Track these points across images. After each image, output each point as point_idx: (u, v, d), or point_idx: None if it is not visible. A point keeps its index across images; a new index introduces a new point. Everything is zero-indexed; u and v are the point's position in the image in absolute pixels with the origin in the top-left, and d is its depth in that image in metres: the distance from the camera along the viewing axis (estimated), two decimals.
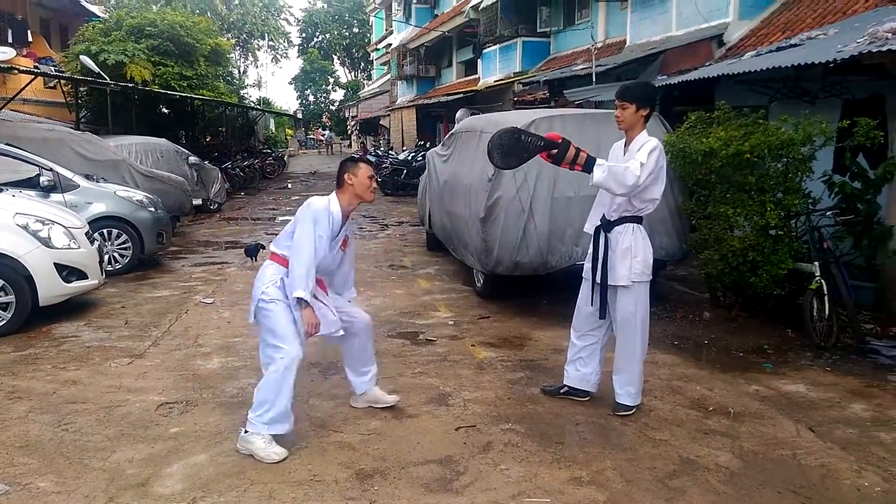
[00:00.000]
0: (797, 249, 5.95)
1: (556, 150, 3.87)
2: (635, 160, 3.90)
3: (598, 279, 4.25)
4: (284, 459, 3.73)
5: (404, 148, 29.05)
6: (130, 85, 17.33)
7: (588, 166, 3.87)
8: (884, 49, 5.68)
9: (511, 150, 3.96)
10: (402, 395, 4.66)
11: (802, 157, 5.93)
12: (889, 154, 6.51)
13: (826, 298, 5.63)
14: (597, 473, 3.60)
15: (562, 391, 4.60)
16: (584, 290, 4.41)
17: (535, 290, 7.35)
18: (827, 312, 5.62)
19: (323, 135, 53.04)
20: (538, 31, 19.16)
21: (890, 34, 6.30)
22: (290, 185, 23.31)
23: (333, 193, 4.13)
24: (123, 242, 8.73)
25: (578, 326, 4.49)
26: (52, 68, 17.75)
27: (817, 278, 5.70)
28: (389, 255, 10.31)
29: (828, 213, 6.23)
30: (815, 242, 5.90)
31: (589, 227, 4.39)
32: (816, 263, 5.77)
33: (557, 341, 5.84)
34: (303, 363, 3.97)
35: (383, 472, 3.60)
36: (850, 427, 4.18)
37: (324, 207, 3.97)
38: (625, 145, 4.22)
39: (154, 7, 25.60)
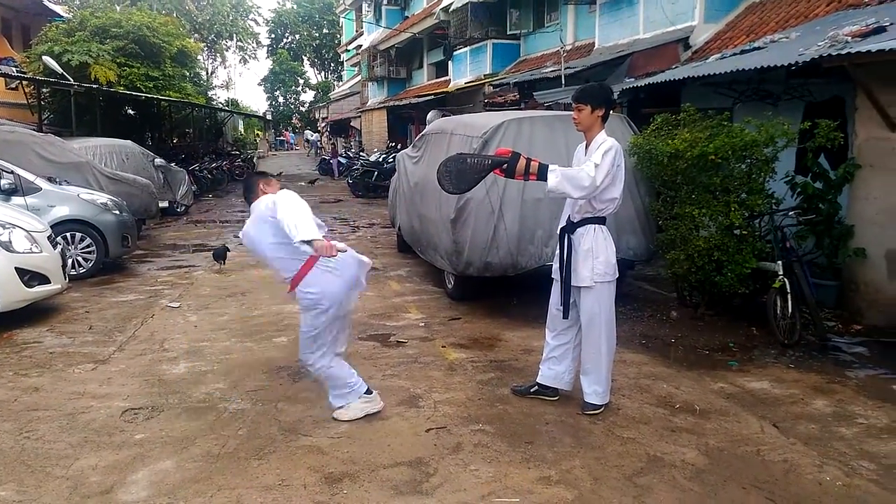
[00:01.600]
0: (761, 249, 6.06)
1: (505, 165, 3.91)
2: (590, 162, 3.96)
3: (563, 280, 4.29)
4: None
5: (375, 150, 28.95)
6: (95, 86, 17.04)
7: (542, 174, 3.91)
8: (843, 52, 5.82)
9: (460, 175, 4.04)
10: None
11: (765, 159, 6.05)
12: (849, 155, 6.66)
13: (789, 297, 5.74)
14: (566, 472, 3.62)
15: (532, 391, 4.63)
16: (555, 290, 4.45)
17: (505, 291, 7.37)
18: (790, 310, 5.73)
19: (309, 138, 50.41)
20: (508, 33, 19.25)
21: (850, 37, 6.46)
22: None
23: None
24: (87, 246, 8.57)
25: (552, 326, 4.53)
26: (14, 69, 17.39)
27: (780, 277, 5.81)
28: None
29: (790, 213, 6.35)
30: (779, 242, 6.02)
31: (559, 229, 4.45)
32: (779, 262, 5.88)
33: (528, 342, 5.88)
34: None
35: (352, 476, 3.59)
36: (812, 423, 4.27)
37: None
38: (586, 147, 4.27)
39: (118, 7, 25.16)
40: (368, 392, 4.37)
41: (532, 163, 3.92)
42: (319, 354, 4.19)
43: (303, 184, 24.56)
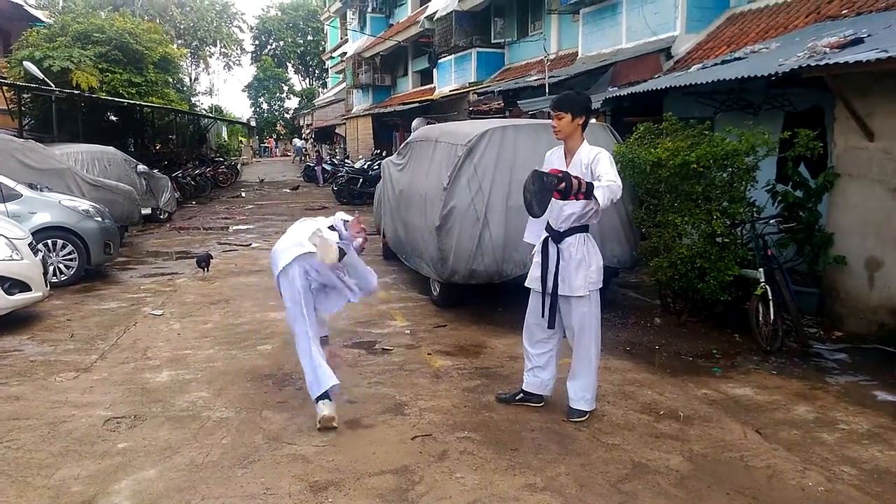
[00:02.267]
0: (742, 256, 6.12)
1: (563, 185, 3.70)
2: (615, 174, 3.90)
3: (549, 290, 4.27)
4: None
5: (360, 157, 28.93)
6: (76, 92, 16.90)
7: (588, 192, 3.76)
8: (822, 63, 5.91)
9: (542, 194, 3.77)
10: (358, 405, 4.65)
11: (746, 167, 6.12)
12: (828, 164, 6.76)
13: (771, 304, 5.81)
14: (551, 479, 3.63)
15: (517, 398, 4.64)
16: (533, 301, 4.44)
17: (490, 299, 7.39)
18: (772, 317, 5.80)
19: (297, 145, 49.88)
20: (492, 41, 19.36)
21: (828, 49, 6.56)
22: (243, 194, 23.01)
23: None
24: (69, 253, 8.49)
25: (531, 337, 4.53)
26: None
27: (762, 284, 5.88)
28: None
29: (771, 221, 6.43)
30: (760, 249, 6.09)
31: (531, 237, 4.42)
32: (761, 270, 5.94)
33: (513, 349, 5.88)
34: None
35: (338, 484, 3.57)
36: (794, 429, 4.32)
37: None
38: (565, 154, 4.25)
39: (102, 13, 24.99)
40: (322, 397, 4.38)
41: (582, 182, 3.75)
42: None
43: (287, 190, 24.50)
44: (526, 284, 4.47)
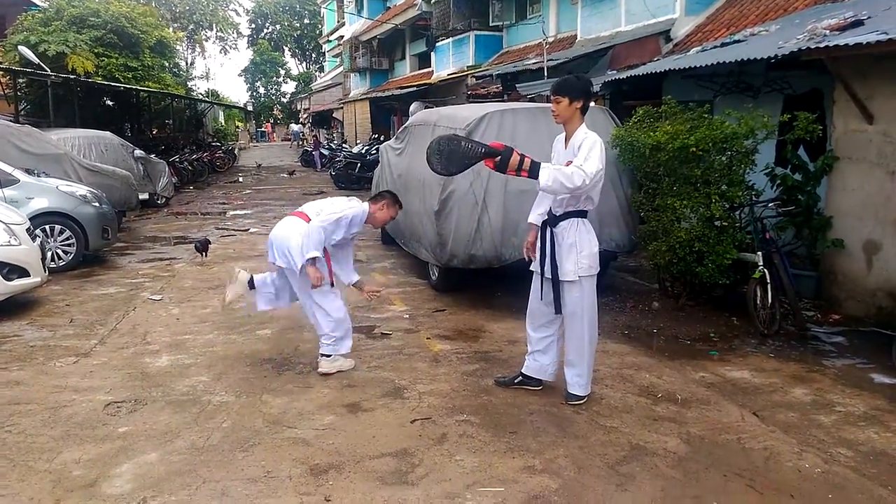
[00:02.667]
0: (741, 240, 6.13)
1: (498, 158, 3.84)
2: (586, 161, 3.91)
3: (547, 274, 4.29)
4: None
5: (358, 141, 28.85)
6: (72, 76, 16.81)
7: (534, 171, 3.84)
8: (822, 46, 5.88)
9: (451, 156, 3.99)
10: (358, 388, 4.67)
11: (745, 151, 6.11)
12: (827, 147, 6.75)
13: (769, 287, 5.82)
14: (549, 461, 3.66)
15: (516, 381, 4.66)
16: (535, 284, 4.46)
17: (489, 283, 7.40)
18: (770, 300, 5.81)
19: (292, 130, 50.49)
20: (491, 24, 19.24)
21: (828, 31, 6.53)
22: (241, 179, 22.95)
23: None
24: (67, 239, 8.47)
25: (533, 320, 4.54)
26: None
27: (760, 268, 5.89)
28: None
29: (770, 205, 6.43)
30: (758, 233, 6.09)
31: (534, 218, 4.42)
32: (759, 253, 5.95)
33: (512, 333, 5.91)
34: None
35: (338, 467, 3.60)
36: (791, 411, 4.34)
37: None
38: (566, 139, 4.26)
39: None
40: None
41: (525, 159, 3.85)
42: None
43: (284, 175, 24.44)
44: (531, 268, 4.48)
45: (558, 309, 4.33)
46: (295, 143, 46.09)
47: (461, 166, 4.05)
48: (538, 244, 4.36)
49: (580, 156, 3.96)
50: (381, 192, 5.34)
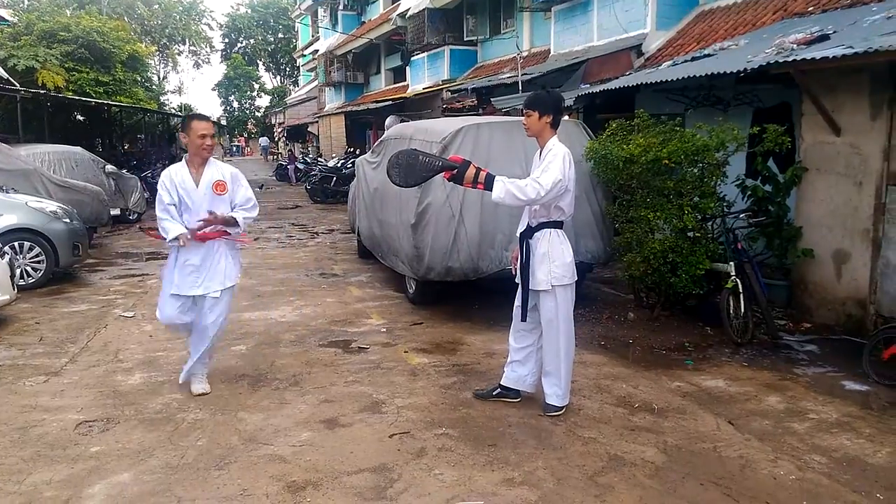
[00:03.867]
0: (713, 250, 6.21)
1: (455, 170, 4.01)
2: (543, 174, 4.04)
3: (523, 283, 4.37)
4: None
5: (333, 155, 28.77)
6: (42, 91, 16.57)
7: (488, 184, 4.00)
8: (790, 59, 6.01)
9: (409, 169, 4.14)
10: (335, 404, 4.63)
11: (717, 163, 6.21)
12: (796, 158, 6.88)
13: (741, 297, 5.91)
14: (529, 474, 3.65)
15: (494, 393, 4.66)
16: (519, 293, 4.49)
17: (467, 296, 7.41)
18: (742, 310, 5.89)
19: (247, 141, 52.07)
20: (465, 39, 19.37)
21: (795, 45, 6.68)
22: None
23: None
24: (36, 255, 8.32)
25: (513, 329, 4.58)
26: None
27: (733, 277, 5.97)
28: (320, 263, 10.19)
29: (741, 216, 6.53)
30: (731, 243, 6.18)
31: (519, 233, 4.51)
32: (732, 263, 6.03)
33: (489, 345, 5.91)
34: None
35: (315, 484, 3.56)
36: (766, 419, 4.39)
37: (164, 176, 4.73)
38: (539, 152, 4.35)
39: (68, 11, 24.53)
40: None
41: (481, 172, 4.01)
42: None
43: (256, 189, 24.29)
44: (516, 279, 4.52)
45: (523, 317, 4.41)
46: (264, 155, 46.45)
47: (419, 179, 4.22)
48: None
49: (540, 167, 4.11)
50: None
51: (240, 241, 4.95)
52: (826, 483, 3.57)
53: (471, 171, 3.99)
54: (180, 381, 4.93)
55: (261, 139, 54.61)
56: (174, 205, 4.72)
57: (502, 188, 3.99)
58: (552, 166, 4.05)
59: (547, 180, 4.00)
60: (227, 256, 4.85)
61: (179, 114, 35.42)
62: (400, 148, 7.73)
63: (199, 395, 4.77)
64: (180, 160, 4.89)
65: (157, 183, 17.07)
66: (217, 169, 4.79)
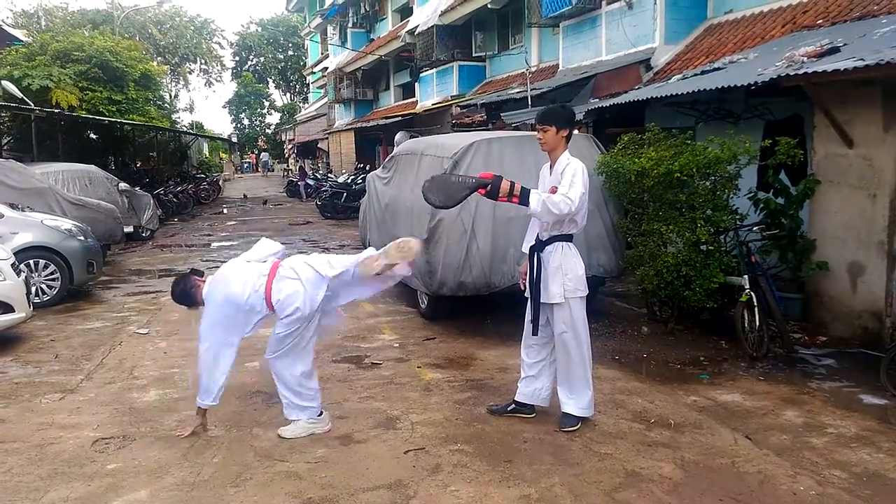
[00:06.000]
0: (727, 264, 6.19)
1: (489, 186, 4.02)
2: (572, 187, 4.05)
3: (535, 297, 4.36)
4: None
5: (343, 171, 28.91)
6: (56, 110, 16.77)
7: (524, 198, 4.01)
8: (800, 72, 6.01)
9: (446, 191, 4.16)
10: (349, 420, 4.63)
11: (729, 176, 6.20)
12: (808, 171, 6.86)
13: (756, 310, 5.87)
14: (545, 490, 3.63)
15: (509, 409, 4.65)
16: (529, 307, 4.50)
17: (479, 310, 7.40)
18: (757, 323, 5.86)
19: (258, 158, 53.29)
20: (474, 55, 19.46)
21: (806, 58, 6.67)
22: (225, 211, 22.88)
23: None
24: (51, 273, 8.39)
25: (525, 343, 4.57)
26: None
27: (747, 291, 5.94)
28: None
29: (754, 229, 6.51)
30: (744, 256, 6.16)
31: (525, 246, 4.53)
32: (746, 277, 6.01)
33: (503, 360, 5.90)
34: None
35: (331, 500, 3.55)
36: (784, 434, 4.35)
37: None
38: (550, 166, 4.37)
39: (87, 32, 24.86)
40: (319, 413, 4.47)
41: (516, 185, 4.02)
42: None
43: (270, 206, 24.41)
44: (525, 294, 4.52)
45: (535, 331, 4.42)
46: (263, 171, 47.31)
47: (458, 198, 4.20)
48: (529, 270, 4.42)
49: (564, 182, 4.11)
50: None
51: None
52: (847, 498, 3.53)
53: (505, 185, 4.00)
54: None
55: (261, 154, 55.76)
56: None
57: (539, 201, 4.00)
58: (576, 180, 4.08)
59: (575, 195, 4.03)
60: None
61: (191, 132, 35.77)
62: (411, 163, 7.80)
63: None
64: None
65: (168, 200, 17.29)
66: None
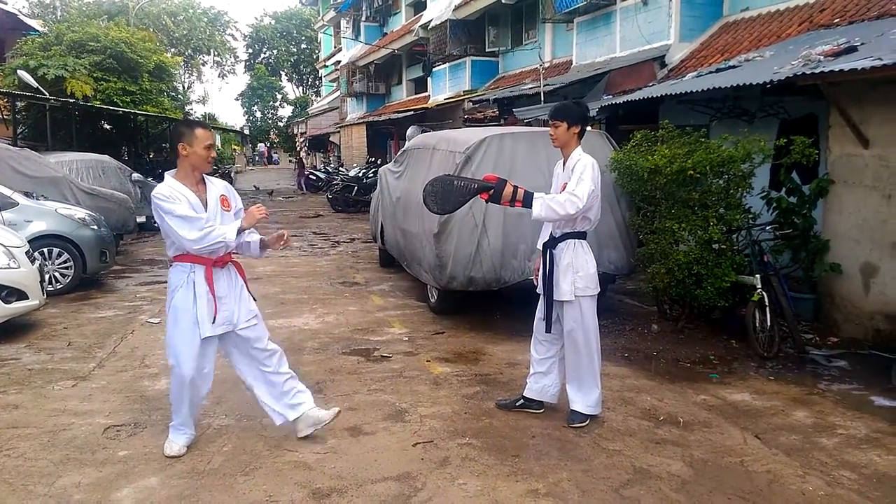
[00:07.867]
0: (739, 263, 6.16)
1: (492, 191, 4.00)
2: (579, 184, 4.03)
3: (546, 294, 4.36)
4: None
5: (355, 164, 28.94)
6: (71, 100, 16.88)
7: (527, 202, 3.99)
8: (817, 71, 5.97)
9: (446, 195, 4.10)
10: (359, 412, 4.65)
11: (742, 174, 6.17)
12: (821, 171, 6.81)
13: (767, 310, 5.85)
14: (553, 485, 3.64)
15: (517, 404, 4.65)
16: (541, 304, 4.50)
17: (488, 305, 7.41)
18: (769, 323, 5.83)
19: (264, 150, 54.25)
20: (487, 50, 19.43)
21: (822, 57, 6.63)
22: None
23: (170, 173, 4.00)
24: (65, 261, 8.46)
25: (535, 339, 4.57)
26: None
27: (759, 290, 5.91)
28: (342, 272, 10.25)
29: (767, 228, 6.48)
30: (756, 256, 6.13)
31: (539, 244, 4.52)
32: (758, 276, 5.98)
33: (512, 355, 5.90)
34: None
35: (340, 491, 3.57)
36: (793, 434, 4.34)
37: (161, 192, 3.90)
38: (563, 163, 4.36)
39: (102, 23, 24.97)
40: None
41: (519, 190, 3.99)
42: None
43: (280, 198, 24.49)
44: (537, 290, 4.52)
45: (548, 328, 4.41)
46: (261, 162, 47.93)
47: (456, 203, 4.16)
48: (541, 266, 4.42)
49: (573, 179, 4.09)
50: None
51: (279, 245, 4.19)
52: (856, 499, 3.52)
53: (508, 190, 3.97)
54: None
55: (259, 145, 56.61)
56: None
57: (541, 205, 3.98)
58: (584, 176, 4.06)
59: (582, 192, 4.01)
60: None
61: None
62: (423, 157, 7.81)
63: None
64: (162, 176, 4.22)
65: None
66: (213, 183, 4.06)
